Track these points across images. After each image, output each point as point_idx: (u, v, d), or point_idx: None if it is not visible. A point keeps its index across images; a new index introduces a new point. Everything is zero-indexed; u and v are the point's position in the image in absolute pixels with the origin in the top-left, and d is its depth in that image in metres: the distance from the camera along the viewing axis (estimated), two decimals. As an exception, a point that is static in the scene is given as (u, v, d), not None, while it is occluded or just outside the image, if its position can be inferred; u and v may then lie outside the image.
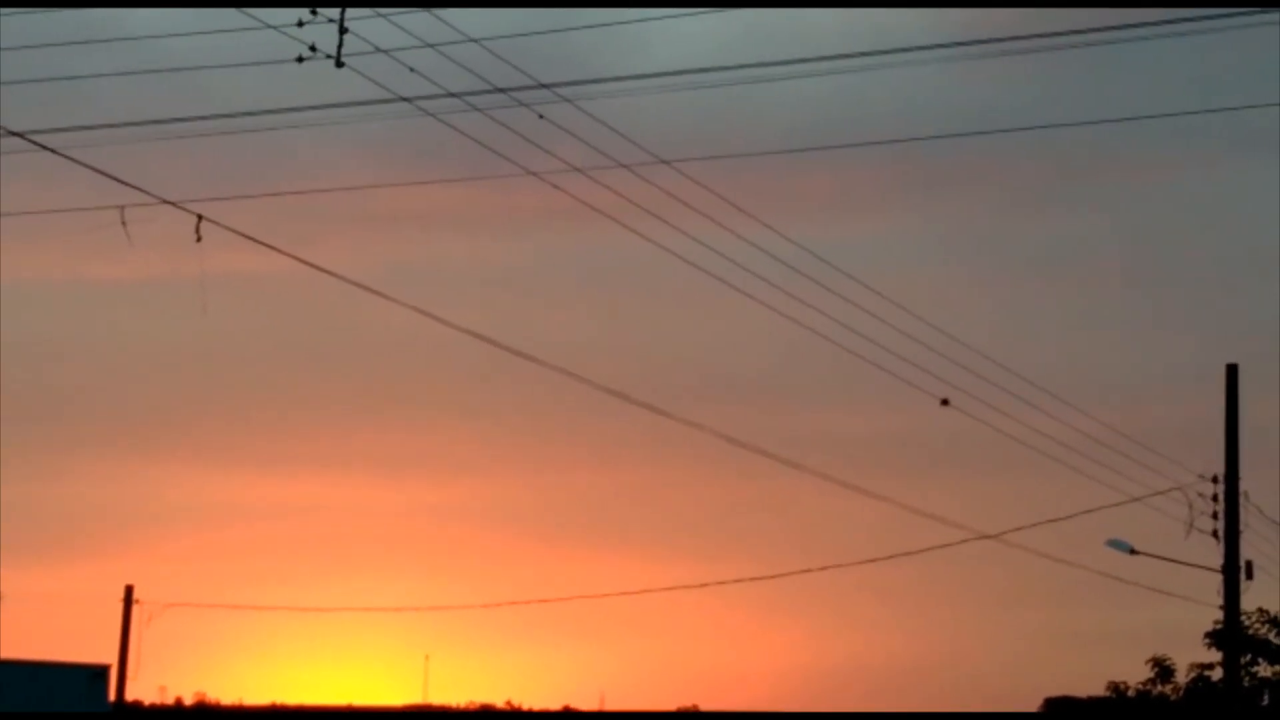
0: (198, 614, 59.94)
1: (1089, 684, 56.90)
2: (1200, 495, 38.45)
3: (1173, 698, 49.67)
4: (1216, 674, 46.94)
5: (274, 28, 20.45)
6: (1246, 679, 46.65)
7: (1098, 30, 21.60)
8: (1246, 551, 38.35)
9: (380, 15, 20.89)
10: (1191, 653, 48.98)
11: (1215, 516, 38.33)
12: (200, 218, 21.47)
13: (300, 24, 20.32)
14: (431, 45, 21.85)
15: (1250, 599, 39.84)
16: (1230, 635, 39.26)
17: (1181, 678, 49.55)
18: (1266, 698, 48.50)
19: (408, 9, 21.32)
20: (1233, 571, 37.89)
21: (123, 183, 20.95)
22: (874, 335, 32.23)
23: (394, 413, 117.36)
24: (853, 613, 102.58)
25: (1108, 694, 51.59)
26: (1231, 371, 38.41)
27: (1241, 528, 38.06)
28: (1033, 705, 63.74)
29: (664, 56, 28.20)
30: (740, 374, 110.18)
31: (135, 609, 55.82)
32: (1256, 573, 38.65)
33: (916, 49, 23.07)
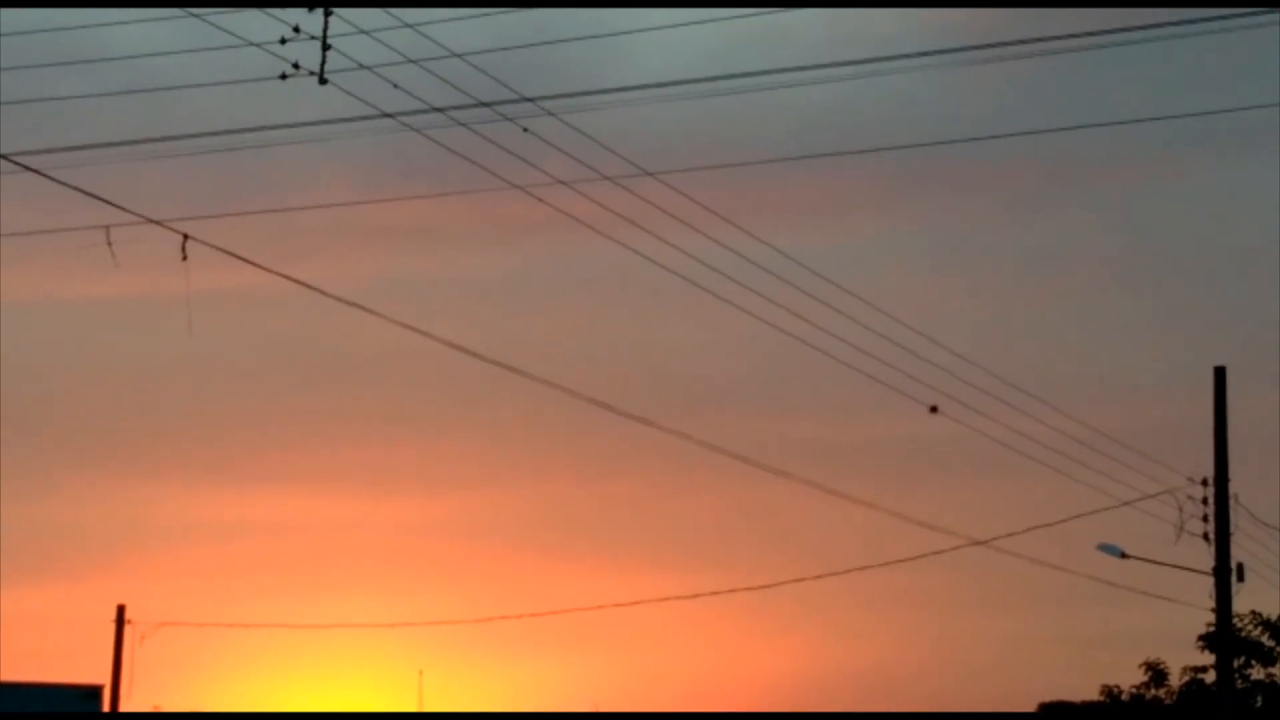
0: (190, 633, 59.77)
1: (1083, 689, 56.85)
2: (1190, 498, 38.43)
3: (1166, 701, 49.72)
4: (1210, 677, 47.00)
5: (257, 45, 20.42)
6: (1240, 682, 46.69)
7: (1084, 35, 21.62)
8: (1237, 554, 38.33)
9: (363, 32, 20.87)
10: (1185, 656, 49.07)
11: (1205, 519, 38.30)
12: (186, 236, 21.46)
13: (283, 41, 20.28)
14: (415, 61, 21.84)
15: (1242, 601, 39.81)
16: (1222, 638, 39.24)
17: (1175, 681, 49.64)
18: (1260, 700, 48.55)
19: (391, 26, 21.32)
20: (1224, 574, 37.86)
21: (108, 203, 20.92)
22: (861, 342, 32.19)
23: (383, 428, 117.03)
24: (845, 621, 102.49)
25: (1102, 698, 51.60)
26: (1219, 374, 38.44)
27: (1232, 530, 38.05)
28: (1027, 710, 63.67)
29: (648, 67, 28.24)
30: (728, 383, 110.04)
31: (127, 628, 55.64)
32: (1248, 575, 38.63)
33: (901, 56, 23.05)
